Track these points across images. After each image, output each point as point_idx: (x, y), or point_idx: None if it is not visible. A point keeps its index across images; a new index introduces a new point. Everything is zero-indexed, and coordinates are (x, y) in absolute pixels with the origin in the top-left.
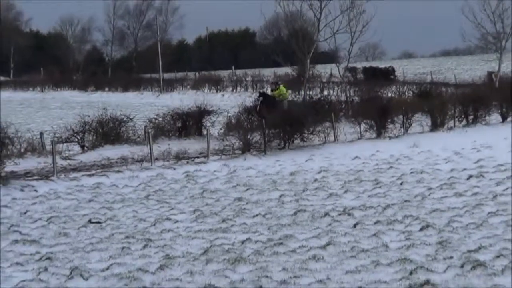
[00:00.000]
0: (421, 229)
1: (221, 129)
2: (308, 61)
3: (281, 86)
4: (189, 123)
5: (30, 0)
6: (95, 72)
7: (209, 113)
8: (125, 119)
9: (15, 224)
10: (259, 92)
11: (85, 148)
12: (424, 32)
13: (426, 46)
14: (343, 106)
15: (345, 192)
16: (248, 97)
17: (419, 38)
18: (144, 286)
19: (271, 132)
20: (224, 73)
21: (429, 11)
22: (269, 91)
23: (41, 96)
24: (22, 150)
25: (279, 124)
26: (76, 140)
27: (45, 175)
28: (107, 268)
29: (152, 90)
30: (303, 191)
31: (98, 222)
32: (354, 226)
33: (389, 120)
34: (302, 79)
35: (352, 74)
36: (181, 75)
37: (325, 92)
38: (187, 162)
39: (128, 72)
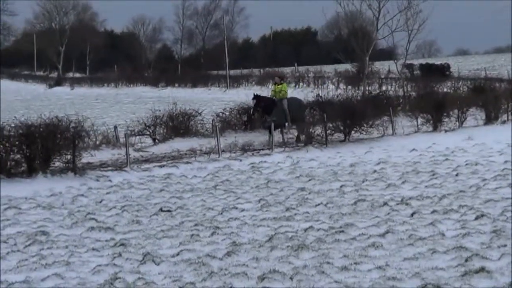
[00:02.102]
0: (476, 218)
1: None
2: (367, 58)
3: (285, 84)
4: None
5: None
6: (165, 69)
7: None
8: (193, 113)
9: (91, 212)
10: (254, 94)
11: (156, 141)
12: (478, 30)
13: (480, 44)
14: (401, 100)
15: (403, 182)
16: (310, 93)
17: (473, 36)
18: (212, 271)
19: (332, 125)
20: (287, 70)
21: (483, 10)
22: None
23: (115, 91)
24: (98, 142)
25: (340, 117)
26: (148, 133)
27: (119, 166)
28: (177, 254)
29: (219, 86)
30: (363, 181)
31: (169, 211)
32: (412, 215)
33: (444, 114)
34: (361, 75)
35: (409, 70)
36: (246, 71)
37: (383, 88)
38: (253, 154)
39: (196, 69)
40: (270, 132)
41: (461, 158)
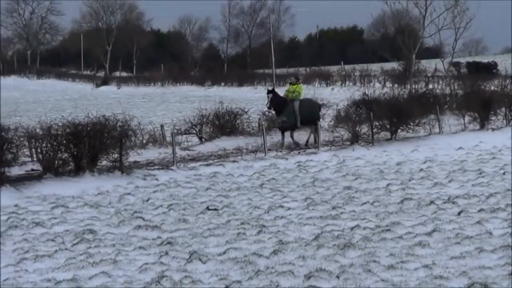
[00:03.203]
0: None
1: (330, 121)
2: (414, 56)
3: (300, 85)
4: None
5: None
6: (211, 68)
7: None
8: (240, 112)
9: (138, 211)
10: (268, 90)
11: (203, 140)
12: None
13: None
14: (447, 99)
15: (450, 181)
16: (356, 91)
17: None
18: (259, 269)
19: (378, 124)
20: (333, 68)
21: None
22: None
23: (162, 91)
24: (144, 141)
25: (386, 116)
26: (195, 132)
27: (165, 165)
28: (224, 253)
29: (265, 85)
30: (409, 180)
31: (215, 209)
32: (459, 214)
33: (492, 113)
34: (408, 73)
35: (456, 68)
36: (292, 70)
37: (430, 86)
38: (299, 153)
39: (242, 67)
40: (282, 133)
41: (508, 157)
